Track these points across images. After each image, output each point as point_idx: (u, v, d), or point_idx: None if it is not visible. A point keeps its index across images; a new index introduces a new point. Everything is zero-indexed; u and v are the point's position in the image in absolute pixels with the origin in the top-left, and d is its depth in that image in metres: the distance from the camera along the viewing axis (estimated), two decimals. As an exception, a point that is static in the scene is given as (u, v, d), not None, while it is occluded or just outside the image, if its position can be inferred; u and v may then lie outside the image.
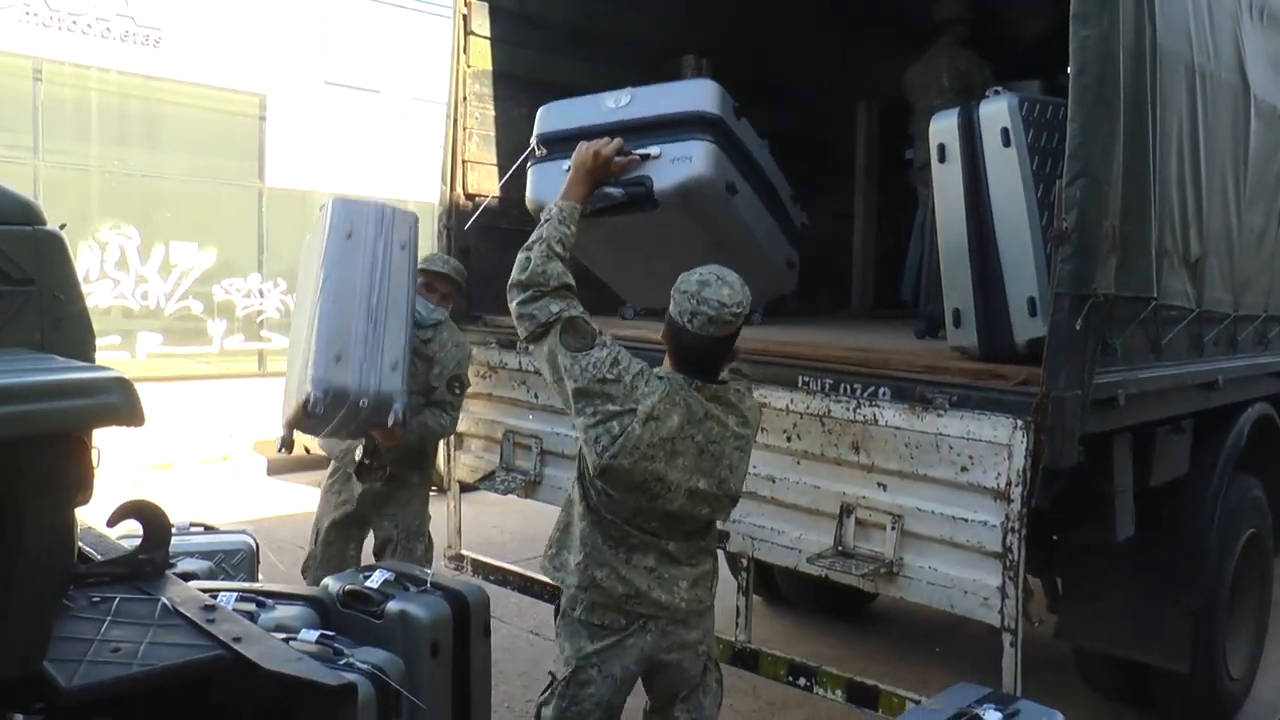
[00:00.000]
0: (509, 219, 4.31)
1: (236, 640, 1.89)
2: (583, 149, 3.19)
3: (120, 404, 1.49)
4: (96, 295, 11.90)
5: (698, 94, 3.52)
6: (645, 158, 3.27)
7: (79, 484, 1.64)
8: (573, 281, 2.93)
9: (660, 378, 2.78)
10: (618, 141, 3.23)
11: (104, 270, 12.35)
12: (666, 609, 2.88)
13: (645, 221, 3.36)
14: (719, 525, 3.17)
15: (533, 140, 3.75)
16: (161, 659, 1.84)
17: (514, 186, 4.99)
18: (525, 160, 3.63)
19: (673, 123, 3.41)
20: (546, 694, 3.06)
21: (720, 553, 3.33)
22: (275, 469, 10.06)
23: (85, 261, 11.83)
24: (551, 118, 3.86)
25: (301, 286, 3.96)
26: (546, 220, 3.00)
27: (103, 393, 1.48)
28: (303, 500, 8.95)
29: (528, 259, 2.91)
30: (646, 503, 2.79)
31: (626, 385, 2.74)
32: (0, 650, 1.63)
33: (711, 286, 2.74)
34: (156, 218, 12.70)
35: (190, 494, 8.26)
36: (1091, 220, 3.00)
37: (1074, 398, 2.98)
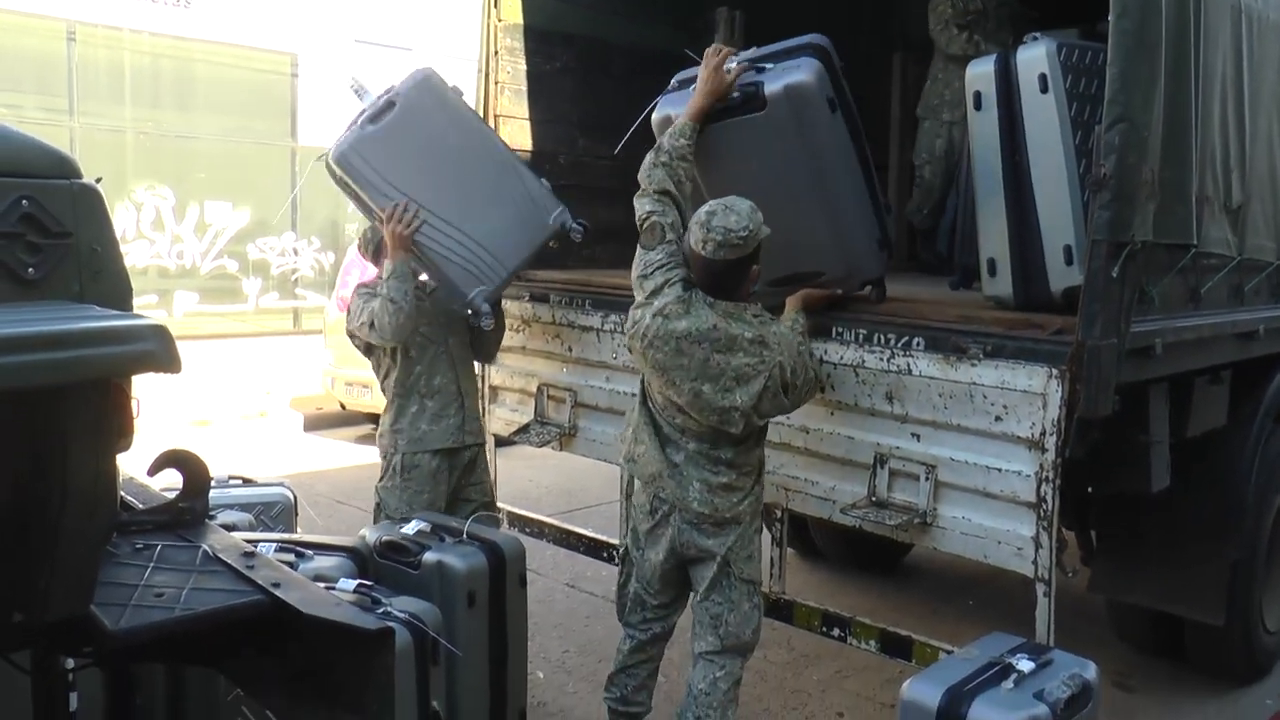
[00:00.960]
0: (538, 173, 4.29)
1: (276, 586, 1.92)
2: (706, 59, 3.41)
3: (158, 351, 1.51)
4: (133, 255, 12.02)
5: (806, 38, 3.50)
6: (758, 68, 3.38)
7: (120, 431, 1.67)
8: (672, 188, 3.31)
9: (684, 285, 3.16)
10: (727, 50, 3.44)
11: (140, 230, 12.47)
12: (681, 504, 3.22)
13: (752, 144, 3.43)
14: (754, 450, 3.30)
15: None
16: (203, 604, 1.87)
17: (545, 141, 4.99)
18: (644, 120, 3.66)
19: (783, 53, 3.45)
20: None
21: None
22: (312, 425, 10.18)
23: (121, 222, 11.94)
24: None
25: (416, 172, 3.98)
26: (668, 133, 3.37)
27: (141, 340, 1.50)
28: (340, 456, 9.07)
29: (646, 162, 3.38)
30: (665, 387, 3.18)
31: (655, 284, 3.19)
32: (50, 593, 1.67)
33: (719, 215, 3.09)
34: (191, 178, 12.79)
35: (228, 449, 8.37)
36: (1130, 166, 2.95)
37: (1110, 346, 2.95)
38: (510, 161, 4.16)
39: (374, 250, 4.16)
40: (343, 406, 10.06)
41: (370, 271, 4.41)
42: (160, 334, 1.53)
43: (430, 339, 4.13)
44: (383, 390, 4.22)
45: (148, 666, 3.49)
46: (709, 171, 3.50)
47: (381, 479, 4.18)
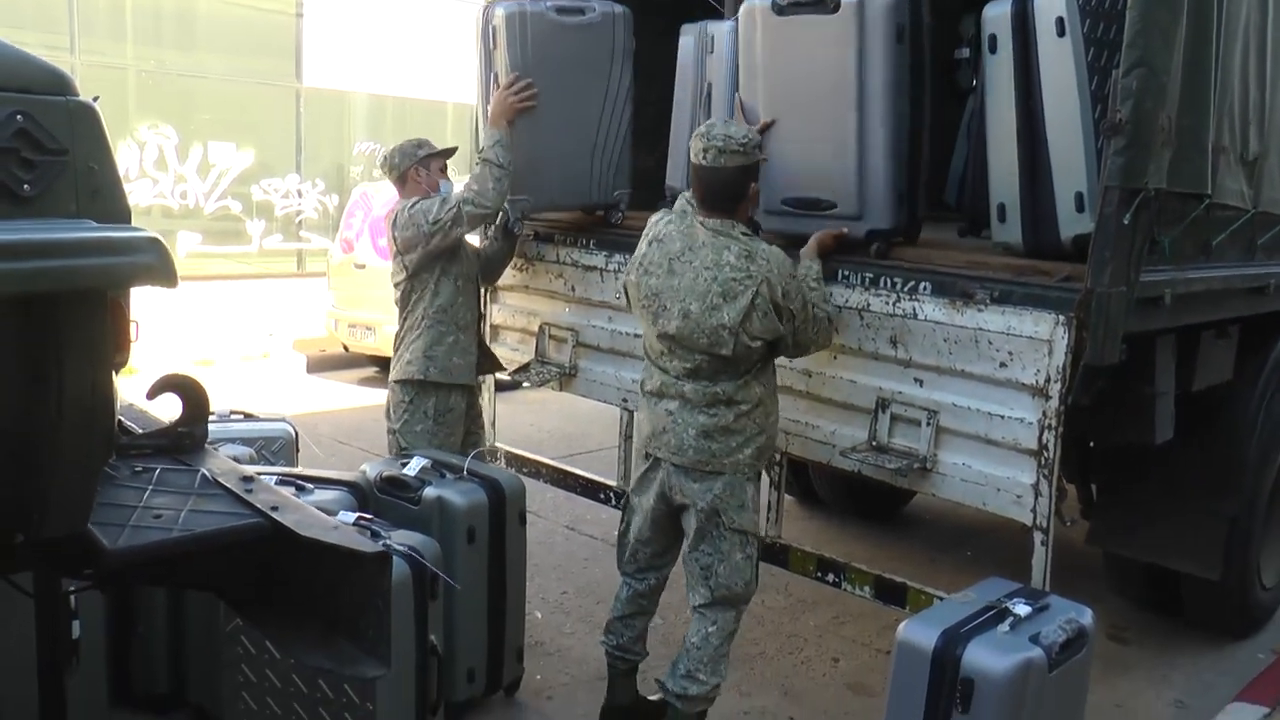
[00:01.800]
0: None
1: (274, 509, 1.92)
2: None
3: (155, 263, 1.49)
4: (136, 194, 11.94)
5: None
6: None
7: (117, 346, 1.66)
8: None
9: (674, 211, 3.28)
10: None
11: (143, 169, 12.38)
12: (675, 453, 3.22)
13: (813, 44, 3.45)
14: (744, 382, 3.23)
15: None
16: (201, 525, 1.87)
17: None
18: None
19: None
20: None
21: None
22: (315, 367, 10.19)
23: (124, 160, 11.85)
24: None
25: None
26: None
27: (137, 251, 1.48)
28: (342, 397, 9.08)
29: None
30: (653, 324, 3.22)
31: (651, 222, 3.34)
32: (48, 509, 1.66)
33: (719, 126, 3.22)
34: (194, 117, 12.67)
35: (231, 389, 8.37)
36: (1147, 112, 2.91)
37: (1119, 294, 2.92)
38: (615, 128, 4.26)
39: (400, 174, 4.13)
40: (345, 349, 10.06)
41: (380, 208, 4.41)
42: (157, 247, 1.51)
43: (468, 270, 4.17)
44: (406, 319, 4.14)
45: (148, 596, 3.52)
46: (769, 57, 3.50)
47: (401, 421, 4.11)
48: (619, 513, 3.66)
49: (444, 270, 4.08)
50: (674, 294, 3.14)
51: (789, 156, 3.52)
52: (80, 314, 1.52)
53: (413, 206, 3.98)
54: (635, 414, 3.49)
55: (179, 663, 3.54)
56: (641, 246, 3.31)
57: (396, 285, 4.14)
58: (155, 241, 1.49)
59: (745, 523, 3.25)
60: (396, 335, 4.19)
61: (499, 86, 4.02)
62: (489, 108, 4.06)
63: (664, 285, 3.17)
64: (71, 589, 2.99)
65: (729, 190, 3.17)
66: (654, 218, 3.36)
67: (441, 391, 4.09)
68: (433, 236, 3.95)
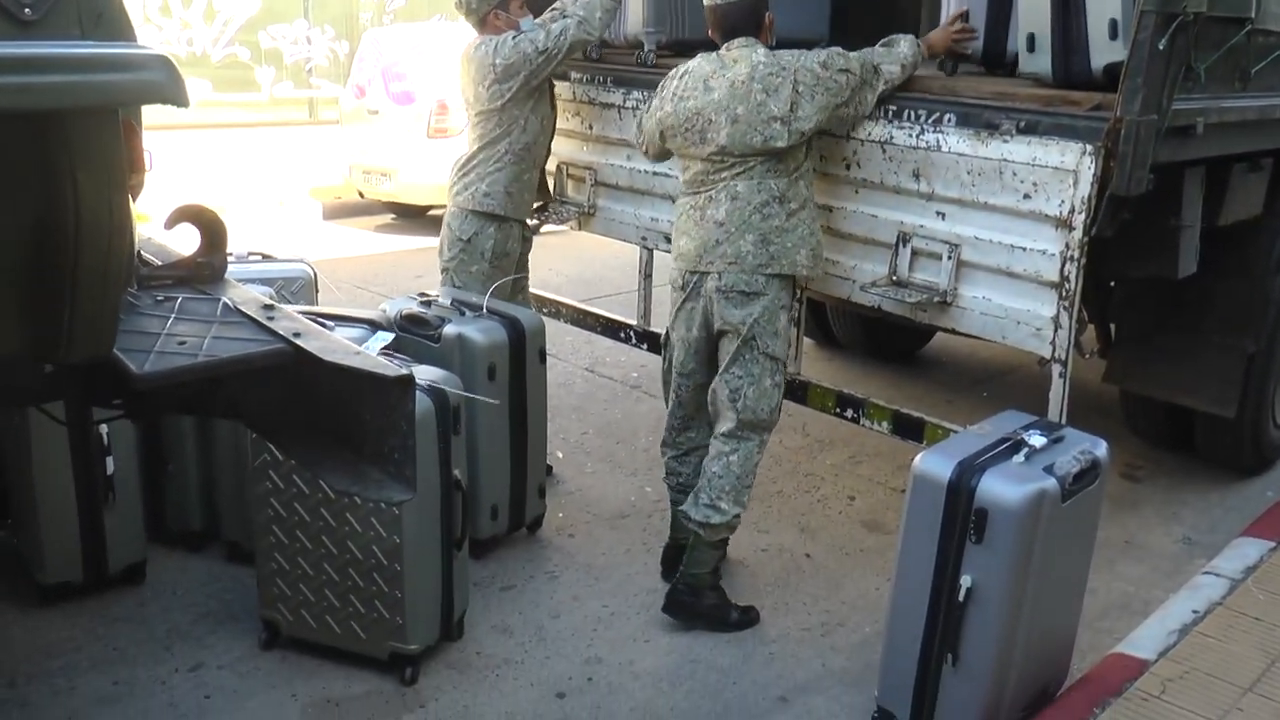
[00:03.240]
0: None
1: (296, 335, 1.93)
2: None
3: (164, 81, 1.46)
4: (141, 42, 11.71)
5: None
6: None
7: (131, 166, 1.64)
8: None
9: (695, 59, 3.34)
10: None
11: (147, 15, 12.11)
12: (733, 262, 3.21)
13: None
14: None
15: None
16: (225, 351, 1.89)
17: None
18: None
19: None
20: None
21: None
22: (331, 214, 10.14)
23: (128, 6, 11.58)
24: None
25: None
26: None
27: (145, 68, 1.44)
28: (360, 244, 9.07)
29: None
30: (700, 144, 3.24)
31: (672, 73, 3.41)
32: (73, 334, 1.68)
33: None
34: (198, -40, 12.34)
35: (248, 234, 8.37)
36: (1188, -71, 2.78)
37: (1149, 122, 2.85)
38: None
39: (480, 18, 4.01)
40: (361, 195, 10.00)
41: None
42: (166, 64, 1.48)
43: (551, 112, 4.15)
44: (483, 150, 4.05)
45: (177, 435, 3.60)
46: None
47: (456, 260, 4.09)
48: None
49: (534, 108, 4.04)
50: (716, 106, 3.19)
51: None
52: (93, 133, 1.50)
53: (515, 36, 3.93)
54: (664, 247, 3.43)
55: (211, 500, 3.64)
56: (669, 85, 3.35)
57: (479, 115, 4.05)
58: (164, 59, 1.46)
59: (777, 349, 3.30)
60: (463, 163, 4.12)
61: None
62: None
63: (704, 102, 3.22)
64: (102, 421, 3.08)
65: (747, 20, 3.28)
66: (674, 71, 3.40)
67: (504, 229, 4.07)
68: (540, 62, 3.91)
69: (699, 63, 3.31)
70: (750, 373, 3.28)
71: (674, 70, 3.38)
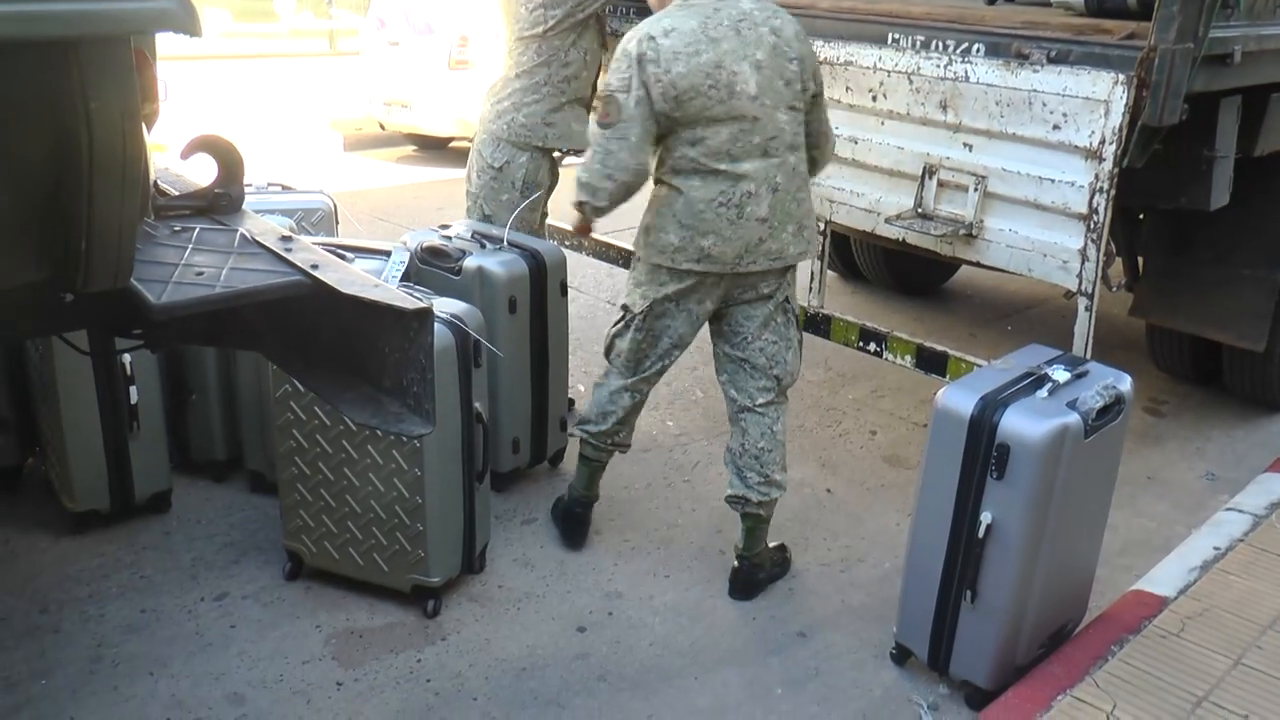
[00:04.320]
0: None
1: (314, 267, 1.91)
2: None
3: (175, 9, 1.43)
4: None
5: None
6: None
7: (145, 95, 1.62)
8: None
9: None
10: None
11: (164, -58, 11.94)
12: (776, 259, 2.96)
13: None
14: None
15: None
16: (243, 282, 1.88)
17: None
18: None
19: None
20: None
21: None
22: (352, 146, 10.09)
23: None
24: None
25: None
26: None
27: (157, -6, 1.42)
28: (381, 175, 9.02)
29: None
30: (728, 99, 2.84)
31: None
32: (90, 264, 1.67)
33: None
34: (213, -115, 12.14)
35: (268, 165, 8.34)
36: None
37: (1184, 51, 2.78)
38: None
39: None
40: (382, 127, 9.93)
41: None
42: (178, -8, 1.45)
43: (596, 47, 4.02)
44: (521, 77, 3.92)
45: (199, 366, 3.62)
46: None
47: (486, 189, 4.00)
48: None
49: (576, 41, 3.90)
50: (732, 54, 2.85)
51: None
52: (104, 63, 1.48)
53: None
54: (678, 236, 3.01)
55: (234, 430, 3.67)
56: (660, 48, 2.85)
57: (519, 40, 3.91)
58: (175, -15, 1.43)
59: (796, 304, 3.19)
60: (498, 89, 4.01)
61: None
62: None
63: (718, 53, 2.84)
64: (123, 350, 3.10)
65: None
66: (640, 34, 2.92)
67: (535, 159, 3.97)
68: None
69: (681, 18, 2.88)
70: (785, 336, 3.12)
71: (640, 34, 2.88)
